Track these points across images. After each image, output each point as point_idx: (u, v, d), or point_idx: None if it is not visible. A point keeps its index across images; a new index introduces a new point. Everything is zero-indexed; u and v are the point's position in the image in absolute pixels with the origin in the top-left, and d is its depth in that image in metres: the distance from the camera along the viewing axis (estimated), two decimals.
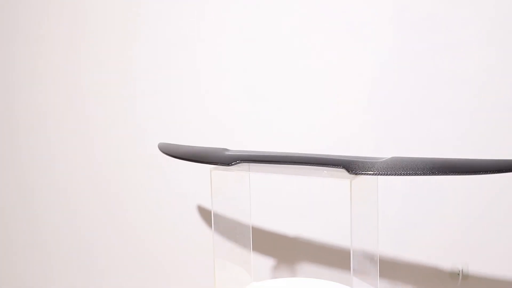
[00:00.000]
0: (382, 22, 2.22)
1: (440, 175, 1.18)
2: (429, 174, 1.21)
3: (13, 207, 2.47)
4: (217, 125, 2.30)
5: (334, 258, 2.09)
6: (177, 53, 2.31)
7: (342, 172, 1.33)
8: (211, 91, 2.30)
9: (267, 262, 2.23)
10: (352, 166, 1.31)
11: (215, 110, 2.30)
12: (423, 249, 2.24)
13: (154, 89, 2.33)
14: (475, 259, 2.20)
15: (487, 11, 2.14)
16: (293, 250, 2.24)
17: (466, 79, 2.18)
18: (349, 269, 1.40)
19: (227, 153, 1.64)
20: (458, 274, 2.18)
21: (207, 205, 2.33)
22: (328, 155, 1.48)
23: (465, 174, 1.12)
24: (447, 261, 2.23)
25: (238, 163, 1.54)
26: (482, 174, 1.10)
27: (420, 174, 1.23)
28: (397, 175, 1.26)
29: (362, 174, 1.29)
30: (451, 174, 1.16)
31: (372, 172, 1.27)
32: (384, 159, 1.34)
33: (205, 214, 2.33)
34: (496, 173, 1.08)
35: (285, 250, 2.26)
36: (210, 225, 2.36)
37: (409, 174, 1.24)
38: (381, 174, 1.27)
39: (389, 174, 1.26)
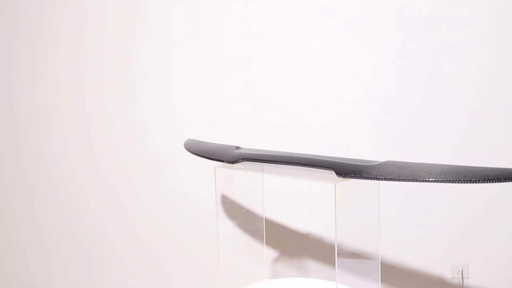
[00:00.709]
0: (382, 22, 2.22)
1: (435, 182, 1.11)
2: (422, 181, 1.13)
3: (13, 207, 2.46)
4: (217, 125, 2.30)
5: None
6: (177, 53, 2.31)
7: (332, 174, 1.31)
8: (211, 91, 2.30)
9: (272, 256, 2.23)
10: (341, 169, 1.28)
11: (215, 110, 2.30)
12: (423, 249, 2.24)
13: (154, 89, 2.33)
14: (475, 259, 2.20)
15: (487, 11, 2.14)
16: (303, 247, 2.24)
17: (466, 79, 2.18)
18: (349, 269, 1.40)
19: (234, 151, 1.65)
20: (458, 274, 2.18)
21: (207, 205, 2.33)
22: (322, 156, 1.46)
23: (460, 182, 1.06)
24: (447, 261, 2.23)
25: (240, 161, 1.56)
26: (476, 182, 1.04)
27: (412, 181, 1.15)
28: (388, 180, 1.20)
29: (351, 177, 1.25)
30: (447, 182, 1.09)
31: (361, 176, 1.23)
32: (376, 163, 1.30)
33: (205, 214, 2.33)
34: (493, 182, 1.03)
35: (295, 246, 2.26)
36: (210, 225, 2.36)
37: (402, 180, 1.17)
38: (371, 179, 1.22)
39: (380, 179, 1.21)
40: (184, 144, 1.90)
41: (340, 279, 1.43)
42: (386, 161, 1.28)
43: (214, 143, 1.85)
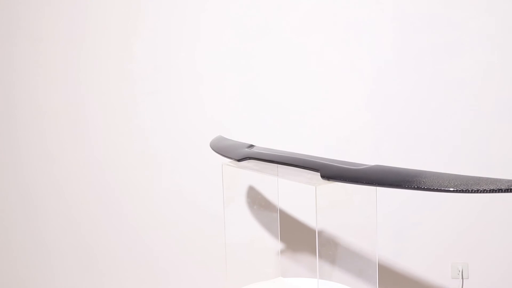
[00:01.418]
0: (382, 22, 2.22)
1: (419, 190, 1.06)
2: (406, 188, 1.08)
3: (13, 207, 2.46)
4: (216, 125, 2.30)
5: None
6: (177, 53, 2.32)
7: (318, 176, 1.30)
8: (211, 91, 2.30)
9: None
10: (326, 172, 1.27)
11: (215, 110, 2.30)
12: (423, 249, 2.24)
13: (154, 89, 2.33)
14: (475, 259, 2.20)
15: (487, 11, 2.14)
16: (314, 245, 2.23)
17: (466, 79, 2.18)
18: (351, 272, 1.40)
19: (245, 149, 1.66)
20: (458, 274, 2.18)
21: (207, 204, 2.33)
22: (314, 157, 1.45)
23: (445, 192, 1.01)
24: (447, 261, 2.23)
25: (246, 159, 1.58)
26: (461, 192, 0.99)
27: (396, 187, 1.11)
28: (371, 185, 1.17)
29: (334, 181, 1.24)
30: (431, 190, 1.04)
31: (344, 180, 1.21)
32: (363, 167, 1.27)
33: (205, 213, 2.33)
34: (477, 192, 0.98)
35: (306, 244, 2.26)
36: (210, 225, 2.36)
37: (385, 186, 1.14)
38: (354, 183, 1.19)
39: (363, 184, 1.18)
40: (210, 142, 1.90)
41: (340, 279, 1.42)
42: (375, 166, 1.25)
43: (234, 141, 1.85)
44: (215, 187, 2.31)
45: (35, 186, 2.45)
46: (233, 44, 2.27)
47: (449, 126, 2.16)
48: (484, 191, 0.97)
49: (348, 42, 2.21)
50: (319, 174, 1.30)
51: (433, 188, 1.04)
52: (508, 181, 0.98)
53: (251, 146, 1.70)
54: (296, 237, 2.24)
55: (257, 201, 1.84)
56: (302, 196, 2.21)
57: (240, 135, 2.29)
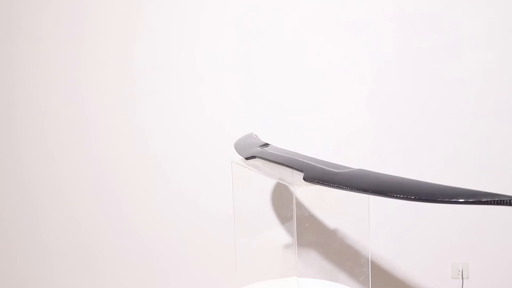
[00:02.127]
0: (382, 22, 2.22)
1: (395, 198, 1.04)
2: (382, 195, 1.06)
3: (13, 207, 2.46)
4: (216, 125, 2.30)
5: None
6: (177, 53, 2.31)
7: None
8: (211, 91, 2.30)
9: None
10: (307, 174, 1.27)
11: (215, 110, 2.30)
12: (423, 250, 2.24)
13: (154, 89, 2.33)
14: (475, 259, 2.20)
15: (487, 11, 2.14)
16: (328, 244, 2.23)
17: (466, 79, 2.18)
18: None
19: (256, 148, 1.68)
20: (458, 274, 2.18)
21: (207, 204, 2.33)
22: (311, 158, 1.46)
23: (423, 202, 1.01)
24: (447, 261, 2.23)
25: (253, 158, 1.61)
26: (439, 203, 0.97)
27: (372, 193, 1.09)
28: (348, 190, 1.15)
29: (313, 183, 1.23)
30: (409, 200, 1.02)
31: (322, 183, 1.21)
32: (345, 171, 1.26)
33: (205, 213, 2.33)
34: (455, 203, 0.95)
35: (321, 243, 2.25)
36: (210, 225, 2.36)
37: (361, 191, 1.12)
38: (331, 187, 1.18)
39: (341, 188, 1.16)
40: (236, 140, 1.92)
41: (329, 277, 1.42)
42: (357, 170, 1.24)
43: (254, 139, 1.84)
44: (215, 187, 2.32)
45: (35, 186, 2.45)
46: (233, 44, 2.27)
47: (449, 126, 2.16)
48: (462, 202, 0.95)
49: (348, 42, 2.21)
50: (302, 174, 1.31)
51: (402, 197, 1.01)
52: (486, 193, 0.94)
53: (265, 145, 1.70)
54: (312, 232, 2.24)
55: (267, 201, 1.84)
56: (315, 197, 2.22)
57: (240, 135, 2.29)
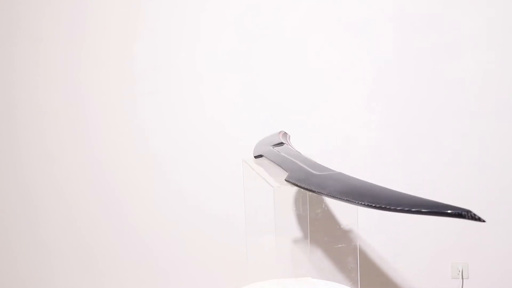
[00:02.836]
0: (382, 22, 2.22)
1: (358, 205, 1.01)
2: (345, 201, 1.04)
3: (13, 207, 2.46)
4: (216, 125, 2.30)
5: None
6: (177, 53, 2.31)
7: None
8: (211, 91, 2.30)
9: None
10: (290, 175, 1.27)
11: (215, 110, 2.30)
12: (423, 249, 2.24)
13: (154, 89, 2.33)
14: (475, 259, 2.20)
15: (487, 11, 2.14)
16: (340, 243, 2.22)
17: (466, 79, 2.18)
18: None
19: (268, 147, 1.69)
20: (458, 274, 2.18)
21: (207, 204, 2.33)
22: (305, 159, 1.46)
23: (381, 209, 0.96)
24: (447, 261, 2.23)
25: (260, 157, 1.65)
26: (399, 212, 0.94)
27: (336, 199, 1.07)
28: (317, 193, 1.14)
29: (291, 184, 1.24)
30: (370, 207, 0.98)
31: (296, 185, 1.21)
32: (323, 174, 1.25)
33: (205, 213, 2.33)
34: (407, 213, 0.92)
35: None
36: (210, 225, 2.36)
37: (327, 196, 1.11)
38: (304, 189, 1.18)
39: (311, 191, 1.16)
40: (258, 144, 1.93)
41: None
42: (336, 173, 1.23)
43: (274, 137, 1.85)
44: (215, 187, 2.31)
45: (35, 186, 2.45)
46: (233, 44, 2.27)
47: (449, 126, 2.16)
48: (426, 213, 0.92)
49: (348, 42, 2.21)
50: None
51: (362, 203, 0.99)
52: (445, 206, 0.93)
53: (279, 144, 1.71)
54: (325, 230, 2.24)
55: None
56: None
57: (240, 135, 2.29)
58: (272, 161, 1.52)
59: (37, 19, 2.40)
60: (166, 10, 2.30)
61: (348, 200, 1.01)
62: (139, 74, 2.34)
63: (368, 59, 2.20)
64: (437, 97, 2.16)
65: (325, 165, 1.37)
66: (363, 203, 0.98)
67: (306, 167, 1.33)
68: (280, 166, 1.42)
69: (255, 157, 1.68)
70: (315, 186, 1.15)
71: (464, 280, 2.18)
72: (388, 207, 0.93)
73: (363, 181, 1.13)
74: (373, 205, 0.95)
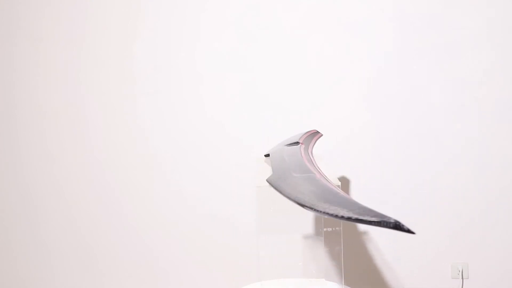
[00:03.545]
0: (382, 22, 2.22)
1: (308, 210, 1.01)
2: (299, 206, 1.04)
3: (13, 207, 2.46)
4: (216, 125, 2.30)
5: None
6: (177, 53, 2.31)
7: None
8: (211, 91, 2.30)
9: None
10: (272, 175, 1.29)
11: (215, 110, 2.30)
12: (423, 249, 2.24)
13: (154, 89, 2.33)
14: (475, 259, 2.20)
15: (487, 11, 2.14)
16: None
17: (466, 79, 2.18)
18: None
19: (282, 146, 1.70)
20: (458, 274, 2.18)
21: (207, 205, 2.33)
22: (299, 159, 1.45)
23: (328, 217, 0.97)
24: (447, 261, 2.23)
25: (268, 156, 1.67)
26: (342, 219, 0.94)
27: (291, 200, 1.08)
28: (279, 193, 1.15)
29: (270, 185, 1.24)
30: (310, 210, 0.98)
31: (270, 186, 1.22)
32: (297, 176, 1.25)
33: (205, 214, 2.33)
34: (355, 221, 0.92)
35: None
36: (210, 225, 2.36)
37: (288, 199, 1.11)
38: (275, 189, 1.20)
39: (279, 192, 1.17)
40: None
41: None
42: (305, 176, 1.23)
43: (296, 136, 1.83)
44: (215, 187, 2.31)
45: (35, 186, 2.45)
46: (233, 44, 2.27)
47: (449, 126, 2.16)
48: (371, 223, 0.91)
49: (348, 42, 2.21)
50: None
51: (310, 208, 0.99)
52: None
53: (294, 144, 1.70)
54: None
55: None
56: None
57: (240, 135, 2.29)
58: (271, 160, 1.53)
59: (37, 19, 2.40)
60: (166, 10, 2.30)
61: (300, 204, 1.01)
62: (139, 74, 2.34)
63: (368, 59, 2.20)
64: (437, 97, 2.16)
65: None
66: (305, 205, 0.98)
67: (290, 167, 1.34)
68: (271, 166, 1.43)
69: (265, 155, 1.69)
70: (286, 187, 1.16)
71: (464, 280, 2.18)
72: (335, 214, 0.91)
73: (322, 185, 1.11)
74: (313, 208, 0.96)
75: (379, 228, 0.86)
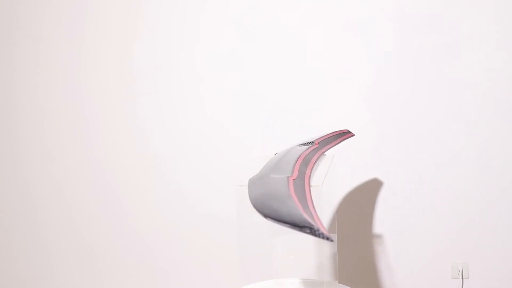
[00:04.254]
0: (382, 22, 2.22)
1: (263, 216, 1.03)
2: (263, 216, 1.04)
3: (13, 207, 2.46)
4: (216, 125, 2.30)
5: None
6: (177, 53, 2.31)
7: None
8: (211, 91, 2.30)
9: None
10: (254, 176, 1.30)
11: (215, 110, 2.30)
12: (423, 250, 2.23)
13: (154, 89, 2.33)
14: (475, 259, 2.20)
15: (487, 11, 2.14)
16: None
17: (467, 79, 2.18)
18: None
19: (293, 145, 1.69)
20: (458, 274, 2.18)
21: (207, 205, 2.33)
22: (291, 159, 1.45)
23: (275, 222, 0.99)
24: (447, 261, 2.23)
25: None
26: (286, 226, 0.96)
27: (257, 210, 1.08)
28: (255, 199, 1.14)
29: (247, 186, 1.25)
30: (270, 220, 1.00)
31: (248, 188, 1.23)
32: (273, 177, 1.25)
33: (204, 214, 2.33)
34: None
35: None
36: (210, 225, 2.35)
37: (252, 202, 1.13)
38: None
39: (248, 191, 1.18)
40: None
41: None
42: (284, 177, 1.23)
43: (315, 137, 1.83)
44: (215, 187, 2.31)
45: (35, 186, 2.45)
46: (233, 44, 2.27)
47: (449, 126, 2.16)
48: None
49: (348, 42, 2.21)
50: None
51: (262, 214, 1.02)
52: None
53: (306, 143, 1.70)
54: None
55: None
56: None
57: (240, 135, 2.29)
58: (271, 158, 1.52)
59: (37, 19, 2.40)
60: (166, 10, 2.30)
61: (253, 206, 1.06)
62: (139, 74, 2.34)
63: (368, 59, 2.20)
64: (437, 97, 2.16)
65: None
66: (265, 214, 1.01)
67: (276, 167, 1.33)
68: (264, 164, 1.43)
69: (275, 155, 1.68)
70: (253, 188, 1.18)
71: (464, 280, 2.18)
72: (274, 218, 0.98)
73: (288, 193, 1.12)
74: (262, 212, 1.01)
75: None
